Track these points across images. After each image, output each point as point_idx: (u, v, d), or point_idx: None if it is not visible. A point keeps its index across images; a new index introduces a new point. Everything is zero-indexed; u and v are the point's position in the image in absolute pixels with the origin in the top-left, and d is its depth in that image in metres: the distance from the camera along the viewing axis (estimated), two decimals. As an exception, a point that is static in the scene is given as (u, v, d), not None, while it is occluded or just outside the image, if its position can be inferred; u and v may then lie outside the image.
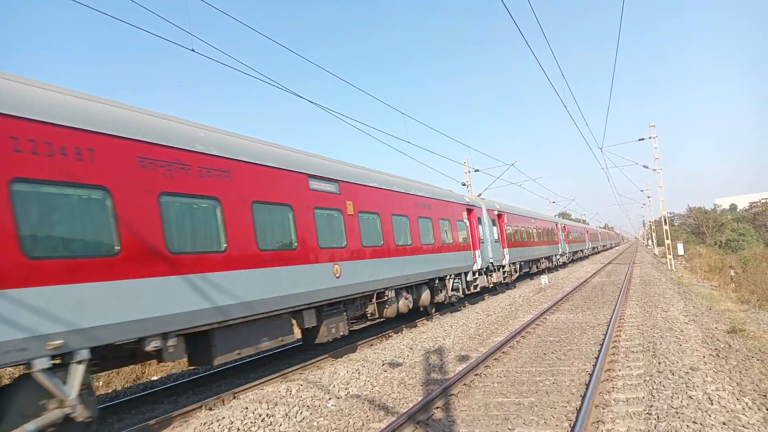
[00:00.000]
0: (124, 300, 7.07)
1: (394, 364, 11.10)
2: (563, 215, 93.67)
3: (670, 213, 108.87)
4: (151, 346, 7.44)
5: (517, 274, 28.64)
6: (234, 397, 9.53)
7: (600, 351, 10.18)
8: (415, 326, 16.94)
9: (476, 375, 9.39)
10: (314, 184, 11.70)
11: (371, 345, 14.10)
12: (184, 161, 8.44)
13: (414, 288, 16.28)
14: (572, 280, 30.16)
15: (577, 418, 6.49)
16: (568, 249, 48.21)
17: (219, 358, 8.85)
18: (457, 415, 7.40)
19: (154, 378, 12.97)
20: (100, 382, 12.82)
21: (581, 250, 60.53)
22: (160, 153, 8.06)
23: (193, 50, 10.59)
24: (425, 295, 16.90)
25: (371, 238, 13.71)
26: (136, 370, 13.30)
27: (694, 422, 6.14)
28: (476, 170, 34.79)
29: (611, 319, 13.90)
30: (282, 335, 10.40)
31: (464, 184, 34.18)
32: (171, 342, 7.77)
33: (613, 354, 10.28)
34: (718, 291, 23.85)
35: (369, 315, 14.08)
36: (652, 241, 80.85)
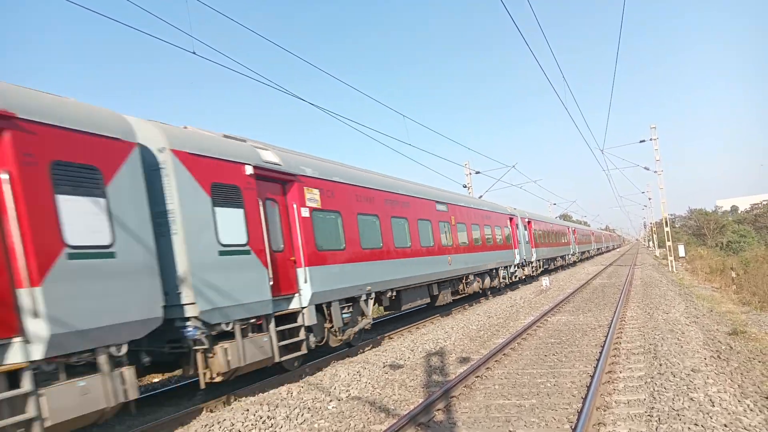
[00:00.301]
0: (387, 268, 14.85)
1: (395, 366, 11.10)
2: (564, 217, 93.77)
3: (671, 215, 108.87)
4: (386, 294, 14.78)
5: (541, 269, 35.32)
6: (235, 399, 9.52)
7: (601, 353, 10.18)
8: (416, 328, 16.95)
9: (477, 377, 9.39)
10: (438, 207, 19.22)
11: (372, 347, 14.09)
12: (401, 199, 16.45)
13: (482, 275, 23.21)
14: (573, 281, 30.14)
15: (578, 420, 6.48)
16: (577, 249, 54.91)
17: (403, 307, 16.10)
18: (458, 417, 7.40)
19: (156, 380, 12.97)
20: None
21: (588, 251, 67.92)
22: (387, 196, 15.59)
23: (194, 53, 10.63)
24: (487, 281, 23.83)
25: (463, 239, 21.04)
26: (137, 372, 13.27)
27: (696, 424, 6.13)
28: (477, 172, 34.84)
29: (612, 320, 13.89)
30: (425, 297, 17.50)
31: (465, 186, 34.19)
32: (389, 294, 14.89)
33: (614, 356, 10.27)
34: (719, 293, 23.83)
35: (459, 290, 20.80)
36: (653, 242, 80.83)
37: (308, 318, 11.10)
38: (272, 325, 10.10)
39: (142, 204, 7.81)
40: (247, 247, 9.66)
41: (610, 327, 12.97)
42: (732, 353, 9.95)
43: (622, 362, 9.76)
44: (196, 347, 8.65)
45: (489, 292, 25.22)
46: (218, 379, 8.92)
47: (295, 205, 11.27)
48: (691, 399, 7.08)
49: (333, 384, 9.78)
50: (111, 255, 7.18)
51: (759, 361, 9.43)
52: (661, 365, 9.07)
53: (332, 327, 12.03)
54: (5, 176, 6.21)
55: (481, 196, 32.51)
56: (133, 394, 7.52)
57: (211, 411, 8.91)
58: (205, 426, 7.78)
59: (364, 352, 13.46)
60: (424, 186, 19.35)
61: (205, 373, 8.81)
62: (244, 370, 9.49)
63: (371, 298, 13.84)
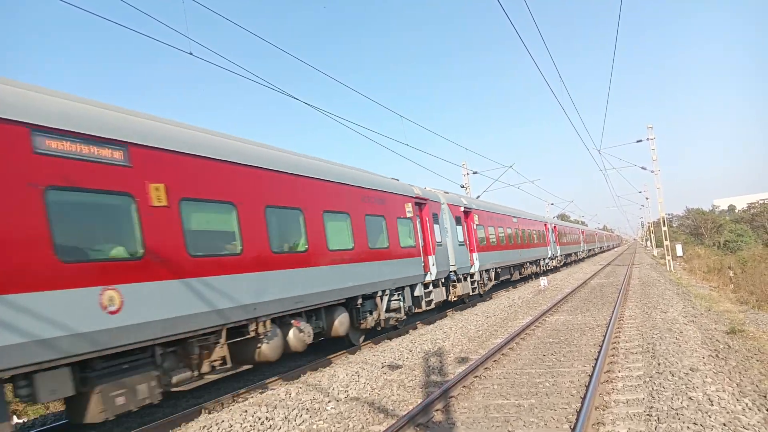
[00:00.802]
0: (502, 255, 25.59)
1: (393, 366, 11.08)
2: (562, 217, 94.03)
3: (669, 214, 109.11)
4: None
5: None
6: (233, 401, 9.50)
7: (599, 352, 10.17)
8: (415, 328, 16.93)
9: (476, 377, 9.38)
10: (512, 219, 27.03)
11: (370, 347, 14.08)
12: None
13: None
14: (571, 281, 30.17)
15: (577, 419, 6.48)
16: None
17: (502, 277, 25.28)
18: (456, 417, 7.38)
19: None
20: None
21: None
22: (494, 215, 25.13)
23: (191, 54, 10.61)
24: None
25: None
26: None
27: (695, 423, 6.13)
28: (475, 172, 34.86)
29: (610, 320, 13.89)
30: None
31: (463, 186, 34.22)
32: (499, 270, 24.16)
33: (613, 355, 10.27)
34: (717, 292, 23.89)
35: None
36: (651, 242, 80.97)
37: (477, 276, 22.56)
38: (468, 279, 21.31)
39: (444, 227, 19.25)
40: (464, 244, 21.16)
41: (608, 326, 12.97)
42: (730, 352, 9.96)
43: (620, 361, 9.76)
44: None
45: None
46: (454, 299, 20.12)
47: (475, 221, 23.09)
48: (690, 398, 7.08)
49: (331, 385, 9.77)
50: (440, 244, 18.27)
51: (757, 360, 9.44)
52: (659, 364, 9.07)
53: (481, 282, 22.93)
54: (427, 218, 17.69)
55: (478, 197, 32.48)
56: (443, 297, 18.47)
57: (209, 412, 8.88)
58: (204, 427, 7.76)
59: (362, 352, 13.44)
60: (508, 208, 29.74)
61: (452, 294, 19.68)
62: (462, 297, 20.89)
63: (494, 271, 24.96)
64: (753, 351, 10.20)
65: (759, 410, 6.60)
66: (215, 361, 8.86)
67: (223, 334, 8.85)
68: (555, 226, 44.35)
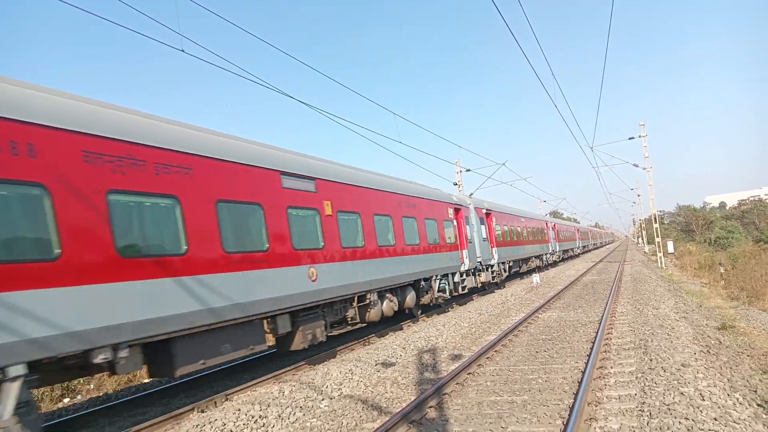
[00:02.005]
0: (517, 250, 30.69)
1: (387, 364, 11.09)
2: (554, 214, 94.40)
3: (660, 211, 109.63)
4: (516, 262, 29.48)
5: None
6: (226, 399, 9.47)
7: (592, 349, 10.22)
8: (408, 325, 16.95)
9: (469, 374, 9.40)
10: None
11: (364, 345, 14.08)
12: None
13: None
14: (563, 278, 30.28)
15: (570, 415, 6.50)
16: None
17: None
18: (450, 414, 7.40)
19: (146, 380, 12.88)
20: (92, 385, 12.73)
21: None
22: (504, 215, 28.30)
23: (183, 51, 10.53)
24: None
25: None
26: (129, 373, 13.22)
27: (686, 418, 6.17)
28: (468, 170, 34.87)
29: (603, 316, 13.96)
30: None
31: (456, 184, 34.24)
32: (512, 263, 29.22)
33: (605, 351, 10.32)
34: (708, 288, 24.04)
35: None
36: (643, 239, 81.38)
37: (497, 267, 25.75)
38: (489, 270, 24.47)
39: (473, 226, 22.61)
40: (487, 240, 24.44)
41: (600, 323, 13.03)
42: (721, 348, 10.03)
43: (612, 358, 9.81)
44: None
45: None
46: (479, 285, 23.26)
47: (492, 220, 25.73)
48: (682, 393, 7.13)
49: (325, 382, 9.76)
50: (470, 241, 22.05)
51: (747, 356, 9.52)
52: (651, 360, 9.12)
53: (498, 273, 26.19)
54: (462, 220, 21.47)
55: (471, 194, 32.57)
56: (474, 284, 21.96)
57: (202, 411, 8.86)
58: (197, 426, 7.73)
59: (355, 350, 13.44)
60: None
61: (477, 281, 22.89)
62: (485, 284, 24.35)
63: (507, 263, 28.07)
64: (744, 346, 10.28)
65: (749, 405, 6.65)
66: (350, 317, 13.36)
67: (355, 300, 13.30)
68: (555, 225, 47.94)
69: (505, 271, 27.74)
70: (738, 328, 12.15)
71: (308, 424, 7.54)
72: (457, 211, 21.49)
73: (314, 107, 14.89)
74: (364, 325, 15.63)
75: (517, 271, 32.38)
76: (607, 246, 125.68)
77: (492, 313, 17.72)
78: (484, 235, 24.39)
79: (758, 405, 6.68)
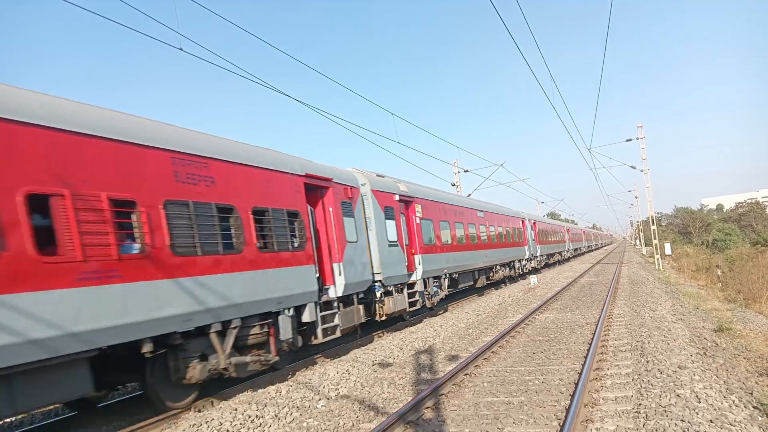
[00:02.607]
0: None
1: (384, 364, 11.09)
2: (552, 215, 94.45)
3: (658, 213, 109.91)
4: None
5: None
6: (223, 399, 9.47)
7: (589, 350, 10.24)
8: (405, 326, 16.95)
9: (466, 374, 9.41)
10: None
11: (361, 345, 14.08)
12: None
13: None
14: (561, 280, 30.33)
15: (566, 417, 6.51)
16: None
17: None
18: (447, 414, 7.40)
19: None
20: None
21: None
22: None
23: (181, 49, 10.54)
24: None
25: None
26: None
27: (682, 420, 6.19)
28: (466, 171, 34.93)
29: (600, 318, 13.98)
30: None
31: (454, 185, 34.27)
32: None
33: (602, 353, 10.34)
34: (705, 290, 24.13)
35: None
36: (640, 241, 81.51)
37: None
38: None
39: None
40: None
41: (597, 324, 13.05)
42: (718, 350, 10.06)
43: (609, 359, 9.83)
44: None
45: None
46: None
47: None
48: (678, 395, 7.14)
49: (322, 383, 9.76)
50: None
51: (744, 358, 9.55)
52: (648, 362, 9.14)
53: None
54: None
55: (470, 195, 32.62)
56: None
57: (199, 410, 8.85)
58: (194, 425, 7.73)
59: (353, 350, 13.44)
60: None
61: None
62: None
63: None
64: (740, 349, 10.31)
65: (745, 407, 6.67)
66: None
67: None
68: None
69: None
70: (734, 330, 12.18)
71: (305, 424, 7.54)
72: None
73: (312, 107, 14.88)
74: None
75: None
76: (606, 248, 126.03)
77: (489, 314, 17.74)
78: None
79: (754, 407, 6.69)
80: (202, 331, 8.73)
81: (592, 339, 11.26)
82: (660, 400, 7.04)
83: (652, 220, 40.64)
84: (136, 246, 7.74)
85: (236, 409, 8.25)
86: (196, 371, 8.67)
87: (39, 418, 10.02)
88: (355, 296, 13.54)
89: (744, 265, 33.02)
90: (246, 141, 11.01)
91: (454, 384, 8.78)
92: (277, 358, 10.47)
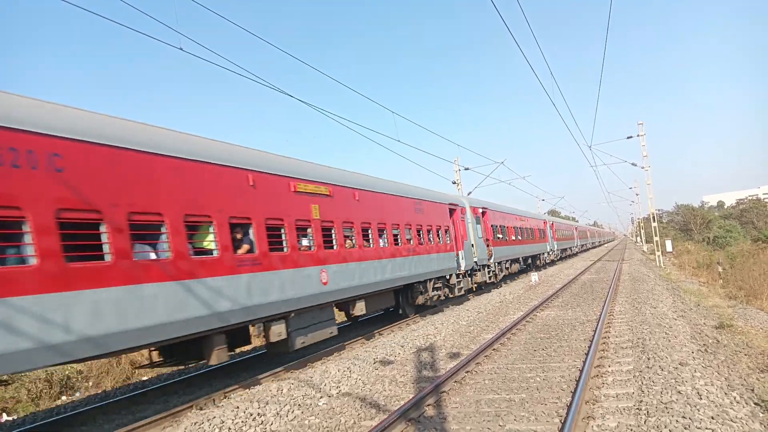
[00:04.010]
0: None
1: (385, 362, 11.11)
2: (552, 213, 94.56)
3: (659, 210, 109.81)
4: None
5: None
6: (225, 397, 9.49)
7: (590, 347, 10.24)
8: (407, 324, 16.97)
9: (467, 372, 9.42)
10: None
11: (362, 343, 14.10)
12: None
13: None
14: (562, 277, 30.32)
15: (567, 413, 6.52)
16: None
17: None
18: (448, 412, 7.41)
19: (145, 378, 12.89)
20: (90, 383, 12.75)
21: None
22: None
23: (181, 49, 10.52)
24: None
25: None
26: (126, 371, 13.22)
27: (683, 417, 6.19)
28: (466, 168, 34.88)
29: (601, 315, 13.98)
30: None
31: (455, 183, 34.25)
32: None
33: (603, 350, 10.34)
34: (706, 287, 24.11)
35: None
36: (641, 238, 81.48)
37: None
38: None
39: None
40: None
41: (598, 321, 13.05)
42: (719, 347, 10.07)
43: (610, 356, 9.83)
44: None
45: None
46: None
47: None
48: (679, 392, 7.15)
49: (323, 380, 9.77)
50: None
51: (745, 354, 9.56)
52: (649, 359, 9.15)
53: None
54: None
55: (470, 193, 32.72)
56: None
57: (201, 408, 8.87)
58: (195, 423, 7.74)
59: (354, 348, 13.46)
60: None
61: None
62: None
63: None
64: (741, 345, 10.32)
65: (746, 404, 6.68)
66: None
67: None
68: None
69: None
70: (736, 327, 12.19)
71: (307, 422, 7.56)
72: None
73: (313, 105, 14.88)
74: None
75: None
76: (607, 245, 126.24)
77: (490, 311, 17.75)
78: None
79: (755, 404, 6.70)
80: (424, 281, 17.58)
81: (594, 336, 11.27)
82: (661, 396, 7.04)
83: (653, 217, 40.62)
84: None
85: (238, 407, 8.27)
86: (419, 298, 17.65)
87: (41, 417, 10.06)
88: (468, 271, 22.04)
89: (745, 261, 33.02)
90: (245, 141, 11.11)
91: (455, 381, 8.79)
92: (443, 297, 19.48)
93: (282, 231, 10.62)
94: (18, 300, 5.96)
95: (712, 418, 6.14)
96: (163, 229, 8.02)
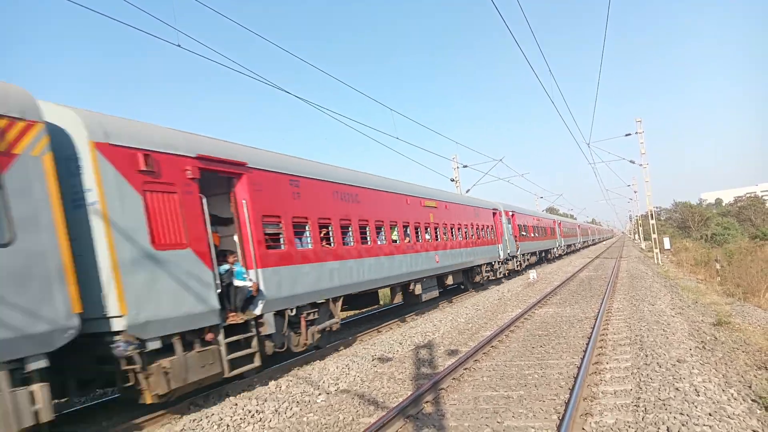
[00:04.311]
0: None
1: (384, 359, 11.12)
2: (550, 210, 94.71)
3: (657, 208, 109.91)
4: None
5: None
6: (223, 394, 9.48)
7: (588, 344, 10.26)
8: (405, 321, 16.99)
9: (465, 369, 9.43)
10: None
11: (361, 340, 14.11)
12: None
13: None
14: (560, 274, 30.35)
15: (565, 410, 6.54)
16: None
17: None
18: (446, 409, 7.42)
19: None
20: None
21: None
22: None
23: (179, 46, 10.50)
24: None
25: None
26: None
27: (681, 413, 6.21)
28: (465, 166, 34.89)
29: (599, 312, 14.00)
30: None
31: (453, 180, 34.25)
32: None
33: (601, 347, 10.36)
34: (704, 284, 24.16)
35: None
36: (639, 235, 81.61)
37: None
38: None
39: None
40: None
41: (596, 319, 13.08)
42: (716, 344, 10.08)
43: (608, 353, 9.85)
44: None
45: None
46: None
47: None
48: (677, 389, 7.16)
49: (322, 377, 9.78)
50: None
51: (742, 351, 9.57)
52: (647, 356, 9.16)
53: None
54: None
55: (468, 191, 32.81)
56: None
57: (199, 405, 8.86)
58: (194, 420, 7.75)
59: (352, 345, 13.47)
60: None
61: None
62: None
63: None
64: (739, 342, 10.33)
65: (744, 400, 6.69)
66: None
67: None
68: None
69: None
70: (733, 324, 12.20)
71: (305, 419, 7.57)
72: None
73: (311, 102, 14.88)
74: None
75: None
76: (605, 242, 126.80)
77: (488, 308, 17.77)
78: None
79: (753, 400, 6.72)
80: (479, 265, 24.16)
81: (591, 333, 11.29)
82: (659, 393, 7.06)
83: (651, 215, 40.67)
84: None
85: (236, 404, 8.28)
86: (477, 277, 24.30)
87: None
88: (504, 260, 28.17)
89: (743, 259, 33.13)
90: (246, 140, 11.25)
91: (453, 378, 8.80)
92: (490, 278, 25.92)
93: (419, 230, 17.83)
94: (307, 266, 11.57)
95: (710, 414, 6.16)
96: (382, 230, 15.37)
